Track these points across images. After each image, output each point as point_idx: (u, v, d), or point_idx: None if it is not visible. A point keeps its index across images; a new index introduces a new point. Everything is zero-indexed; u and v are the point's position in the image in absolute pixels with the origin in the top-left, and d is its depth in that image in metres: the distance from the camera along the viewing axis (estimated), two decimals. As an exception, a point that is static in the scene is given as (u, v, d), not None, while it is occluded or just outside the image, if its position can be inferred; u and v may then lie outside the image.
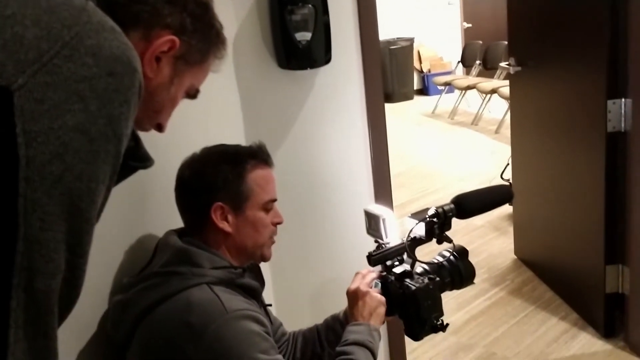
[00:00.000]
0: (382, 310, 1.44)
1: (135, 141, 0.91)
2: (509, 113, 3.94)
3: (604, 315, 2.80)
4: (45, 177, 0.69)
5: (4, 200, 0.68)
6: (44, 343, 0.74)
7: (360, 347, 1.36)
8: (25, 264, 0.69)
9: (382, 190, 2.31)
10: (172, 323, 1.22)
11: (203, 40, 0.99)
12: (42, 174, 0.69)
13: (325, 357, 1.62)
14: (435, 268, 1.48)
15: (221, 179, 1.36)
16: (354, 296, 1.45)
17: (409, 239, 1.45)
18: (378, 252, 1.45)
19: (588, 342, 2.81)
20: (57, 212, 0.71)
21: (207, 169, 1.38)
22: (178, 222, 1.45)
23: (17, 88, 0.67)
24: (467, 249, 1.54)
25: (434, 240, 1.46)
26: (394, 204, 2.78)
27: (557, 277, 3.27)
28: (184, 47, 0.95)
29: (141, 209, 1.50)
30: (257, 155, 1.43)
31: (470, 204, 1.47)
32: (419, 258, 1.47)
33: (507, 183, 4.17)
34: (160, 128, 1.04)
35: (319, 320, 1.68)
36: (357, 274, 1.50)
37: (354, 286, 1.46)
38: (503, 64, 3.78)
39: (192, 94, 1.06)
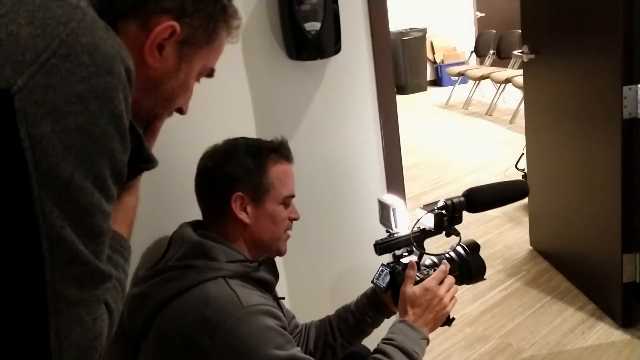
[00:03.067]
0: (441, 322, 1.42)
1: (139, 142, 0.89)
2: (523, 103, 3.90)
3: (621, 305, 2.77)
4: (55, 179, 0.69)
5: (22, 202, 0.68)
6: (90, 319, 0.75)
7: (404, 355, 1.31)
8: (55, 259, 0.70)
9: (395, 181, 2.29)
10: (189, 317, 1.22)
11: (208, 19, 0.93)
12: (52, 177, 0.68)
13: (337, 347, 1.61)
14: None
15: (243, 170, 1.37)
16: (425, 293, 1.38)
17: (417, 230, 1.43)
18: (384, 240, 1.44)
19: (605, 332, 2.78)
20: (73, 210, 0.71)
21: (229, 160, 1.38)
22: (192, 215, 1.45)
23: (17, 90, 0.66)
24: (482, 239, 1.53)
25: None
26: (408, 195, 2.77)
27: (574, 267, 3.23)
28: (187, 30, 0.90)
29: (154, 202, 1.50)
30: (279, 151, 1.44)
31: (481, 198, 1.45)
32: (434, 250, 1.45)
33: (522, 173, 4.14)
34: (181, 112, 1.02)
35: (332, 311, 1.67)
36: (440, 269, 1.42)
37: (433, 283, 1.39)
38: (517, 52, 3.74)
39: (207, 74, 1.01)
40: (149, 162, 0.94)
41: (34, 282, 0.70)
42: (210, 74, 1.02)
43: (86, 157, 0.71)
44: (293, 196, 1.45)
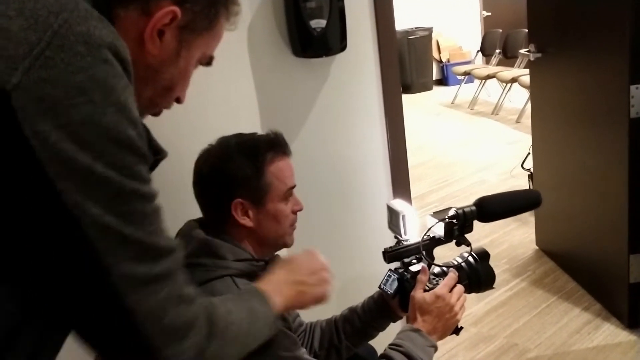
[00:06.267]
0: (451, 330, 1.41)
1: (146, 134, 0.87)
2: (529, 102, 3.89)
3: (627, 306, 2.75)
4: (74, 171, 0.68)
5: (49, 199, 0.67)
6: (165, 292, 0.76)
7: None
8: (106, 244, 0.70)
9: (400, 181, 2.28)
10: None
11: (209, 4, 0.91)
12: (72, 169, 0.67)
13: (342, 349, 1.60)
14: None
15: (240, 176, 1.33)
16: (436, 301, 1.36)
17: (427, 238, 1.42)
18: (394, 249, 1.42)
19: (612, 333, 2.76)
20: (105, 198, 0.70)
21: (224, 165, 1.34)
22: (195, 211, 1.44)
23: (12, 88, 0.64)
24: (488, 239, 1.52)
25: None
26: (413, 195, 2.76)
27: (580, 267, 3.22)
28: (187, 16, 0.88)
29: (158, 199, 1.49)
30: (275, 146, 1.39)
31: (493, 208, 1.42)
32: (443, 254, 1.43)
33: (528, 173, 4.12)
34: (178, 101, 1.00)
35: (337, 311, 1.66)
36: (449, 277, 1.40)
37: (444, 290, 1.37)
38: (523, 51, 3.72)
39: (206, 62, 0.99)
40: (159, 154, 0.92)
41: (96, 272, 0.71)
42: (209, 61, 1.00)
43: (102, 148, 0.69)
44: (293, 187, 1.42)
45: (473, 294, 1.46)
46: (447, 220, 1.39)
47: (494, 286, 1.48)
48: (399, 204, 1.48)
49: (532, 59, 3.33)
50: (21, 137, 0.64)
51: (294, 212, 1.43)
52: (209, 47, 0.97)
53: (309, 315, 1.69)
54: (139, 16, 0.84)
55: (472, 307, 3.10)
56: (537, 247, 3.72)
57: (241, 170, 1.33)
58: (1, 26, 0.66)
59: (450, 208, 1.40)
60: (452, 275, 1.39)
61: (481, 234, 3.79)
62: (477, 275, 1.45)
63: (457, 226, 1.39)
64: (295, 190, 1.44)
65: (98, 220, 0.69)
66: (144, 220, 0.75)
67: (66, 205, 0.67)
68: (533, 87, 3.59)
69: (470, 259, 1.46)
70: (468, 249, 1.43)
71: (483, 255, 1.46)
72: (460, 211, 1.38)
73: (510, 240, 3.87)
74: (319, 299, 1.23)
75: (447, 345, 2.78)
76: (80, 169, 0.68)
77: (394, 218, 1.47)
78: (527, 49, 3.40)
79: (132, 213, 0.73)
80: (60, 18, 0.68)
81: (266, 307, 1.07)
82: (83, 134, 0.67)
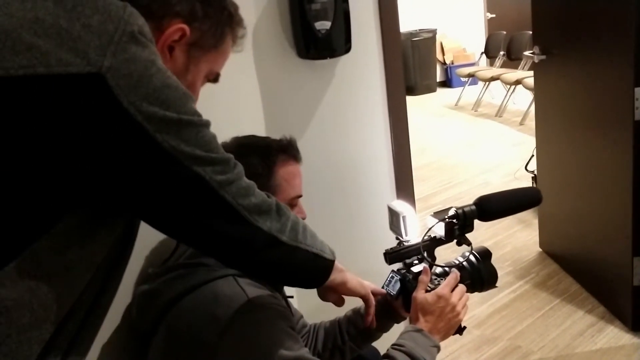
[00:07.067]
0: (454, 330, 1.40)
1: None
2: (533, 104, 3.89)
3: (631, 308, 2.75)
4: (170, 127, 0.84)
5: (157, 151, 0.83)
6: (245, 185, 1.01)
7: None
8: (201, 169, 0.89)
9: (404, 183, 2.28)
10: (198, 314, 1.22)
11: (216, 24, 1.01)
12: (167, 126, 0.83)
13: (346, 350, 1.60)
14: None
15: (250, 172, 1.33)
16: (438, 301, 1.34)
17: (427, 239, 1.41)
18: (394, 250, 1.42)
19: (615, 335, 2.76)
20: (192, 135, 0.87)
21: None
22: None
23: (106, 71, 0.78)
24: (492, 241, 1.51)
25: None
26: (417, 197, 2.76)
27: (584, 269, 3.21)
28: (196, 34, 0.99)
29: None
30: (287, 150, 1.41)
31: (493, 207, 1.41)
32: (445, 254, 1.43)
33: (531, 175, 4.12)
34: None
35: (341, 313, 1.66)
36: (451, 276, 1.38)
37: (446, 290, 1.35)
38: (527, 53, 3.72)
39: (213, 78, 1.09)
40: None
41: (198, 188, 0.90)
42: (215, 78, 1.09)
43: (180, 102, 0.86)
44: (300, 196, 1.43)
45: (476, 295, 1.46)
46: (447, 220, 1.38)
47: (496, 285, 1.48)
48: (399, 205, 1.47)
49: (536, 61, 3.33)
50: (122, 107, 0.79)
51: None
52: (215, 64, 1.07)
53: (313, 317, 1.69)
54: (153, 31, 0.91)
55: (476, 309, 3.09)
56: (540, 250, 3.72)
57: (252, 168, 1.33)
58: (84, 23, 0.79)
59: (450, 208, 1.40)
60: (454, 275, 1.39)
61: (485, 236, 3.79)
62: (480, 274, 1.44)
63: (458, 226, 1.39)
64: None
65: (191, 155, 0.87)
66: (216, 144, 0.93)
67: (165, 149, 0.84)
68: (537, 89, 3.59)
69: (472, 258, 1.45)
70: (469, 248, 1.43)
71: (485, 254, 1.46)
72: (460, 211, 1.38)
73: (513, 242, 3.87)
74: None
75: (450, 347, 2.78)
76: (170, 122, 0.84)
77: (394, 219, 1.47)
78: (531, 51, 3.40)
79: (207, 142, 0.90)
80: (127, 10, 0.83)
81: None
82: (166, 95, 0.83)
